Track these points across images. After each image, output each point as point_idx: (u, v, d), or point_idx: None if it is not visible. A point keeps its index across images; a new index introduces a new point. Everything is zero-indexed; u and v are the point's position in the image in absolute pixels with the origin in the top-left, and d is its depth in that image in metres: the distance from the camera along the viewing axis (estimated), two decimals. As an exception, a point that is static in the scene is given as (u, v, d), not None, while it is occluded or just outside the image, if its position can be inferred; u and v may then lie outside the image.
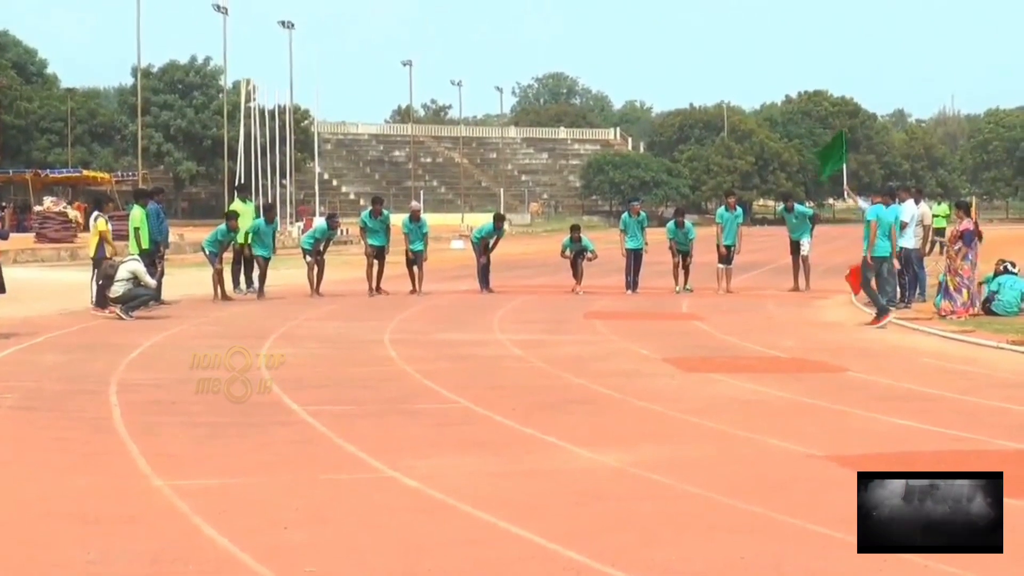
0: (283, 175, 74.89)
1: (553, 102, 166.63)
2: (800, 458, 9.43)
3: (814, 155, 32.39)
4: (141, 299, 20.69)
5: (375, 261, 26.34)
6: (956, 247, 20.35)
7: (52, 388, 12.89)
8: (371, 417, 11.14)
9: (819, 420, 11.27)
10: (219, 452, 9.63)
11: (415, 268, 26.64)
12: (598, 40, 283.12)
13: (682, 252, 27.00)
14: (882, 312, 19.18)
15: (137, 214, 23.14)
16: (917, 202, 23.36)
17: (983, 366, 14.73)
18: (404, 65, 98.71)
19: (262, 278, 25.61)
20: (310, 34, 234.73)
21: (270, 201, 50.27)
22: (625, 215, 27.69)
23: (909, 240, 22.35)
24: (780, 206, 30.95)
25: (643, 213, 28.01)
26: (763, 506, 7.81)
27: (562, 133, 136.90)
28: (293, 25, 77.09)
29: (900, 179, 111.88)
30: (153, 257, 22.71)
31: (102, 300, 21.27)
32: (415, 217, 27.43)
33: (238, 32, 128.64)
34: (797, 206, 28.48)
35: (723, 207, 28.45)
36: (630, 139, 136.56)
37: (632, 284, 26.62)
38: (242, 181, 56.30)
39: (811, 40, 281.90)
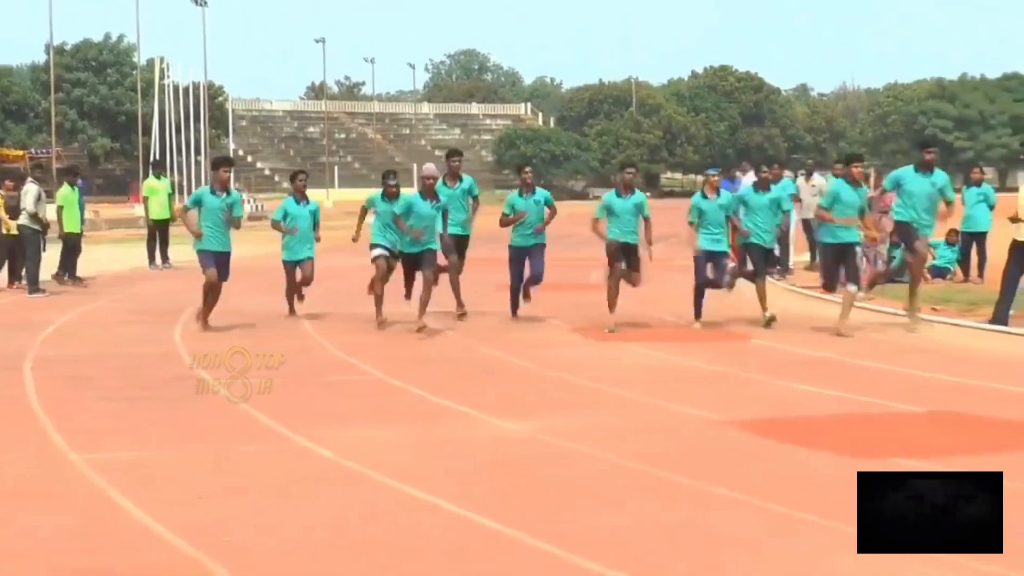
0: (198, 151, 74.20)
1: (465, 78, 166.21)
2: (706, 424, 9.51)
3: None
4: (31, 273, 20.54)
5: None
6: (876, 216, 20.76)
7: (-34, 365, 12.68)
8: (287, 390, 11.06)
9: (725, 387, 11.38)
10: (135, 426, 9.52)
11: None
12: (509, 17, 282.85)
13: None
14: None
15: (64, 192, 22.75)
16: (810, 175, 23.77)
17: (883, 332, 14.93)
18: (317, 42, 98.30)
19: (301, 285, 17.08)
20: (223, 11, 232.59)
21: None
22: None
23: (807, 212, 22.62)
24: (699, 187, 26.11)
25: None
26: (671, 471, 7.88)
27: (474, 109, 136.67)
28: (206, 3, 76.38)
29: (803, 151, 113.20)
30: (79, 240, 22.53)
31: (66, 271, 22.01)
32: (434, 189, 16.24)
33: (151, 10, 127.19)
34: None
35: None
36: (541, 114, 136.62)
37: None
38: (157, 158, 55.56)
39: (716, 16, 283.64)
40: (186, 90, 73.18)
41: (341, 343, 14.17)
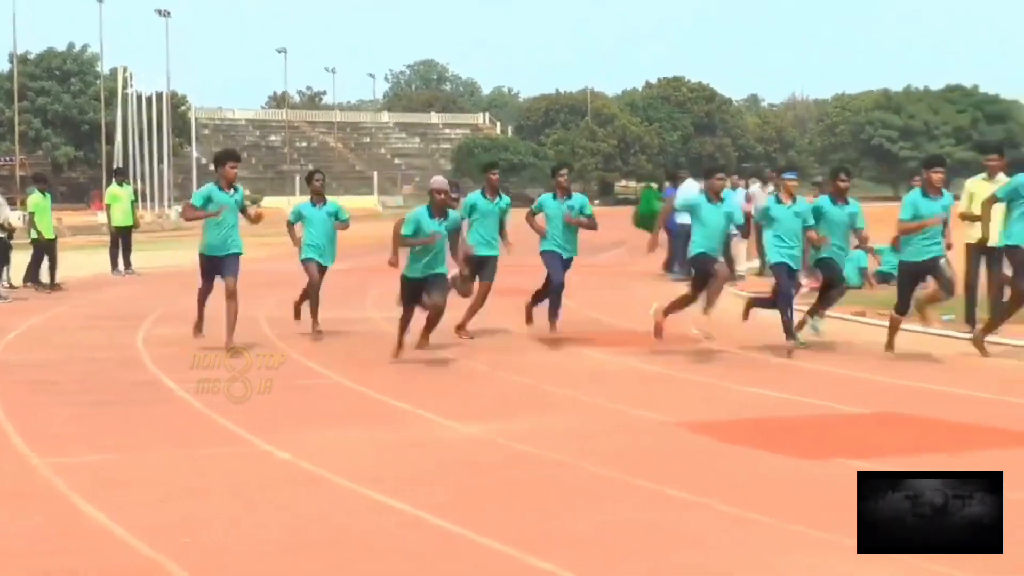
0: (161, 160, 73.86)
1: (424, 88, 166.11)
2: (660, 426, 9.52)
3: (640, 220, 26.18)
4: None
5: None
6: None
7: (-71, 370, 12.55)
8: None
9: (678, 390, 11.40)
10: (98, 430, 9.45)
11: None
12: (467, 28, 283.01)
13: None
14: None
15: (35, 199, 22.63)
16: (766, 183, 23.73)
17: (828, 336, 14.98)
18: (279, 52, 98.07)
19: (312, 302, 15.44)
20: (186, 22, 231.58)
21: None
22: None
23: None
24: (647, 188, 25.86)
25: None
26: (626, 472, 7.88)
27: (433, 118, 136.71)
28: (169, 13, 76.15)
29: (754, 160, 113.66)
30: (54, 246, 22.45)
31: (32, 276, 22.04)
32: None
33: (115, 20, 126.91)
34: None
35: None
36: (499, 123, 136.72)
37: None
38: (120, 166, 55.23)
39: (669, 28, 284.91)
40: (149, 99, 72.81)
41: (301, 347, 14.11)
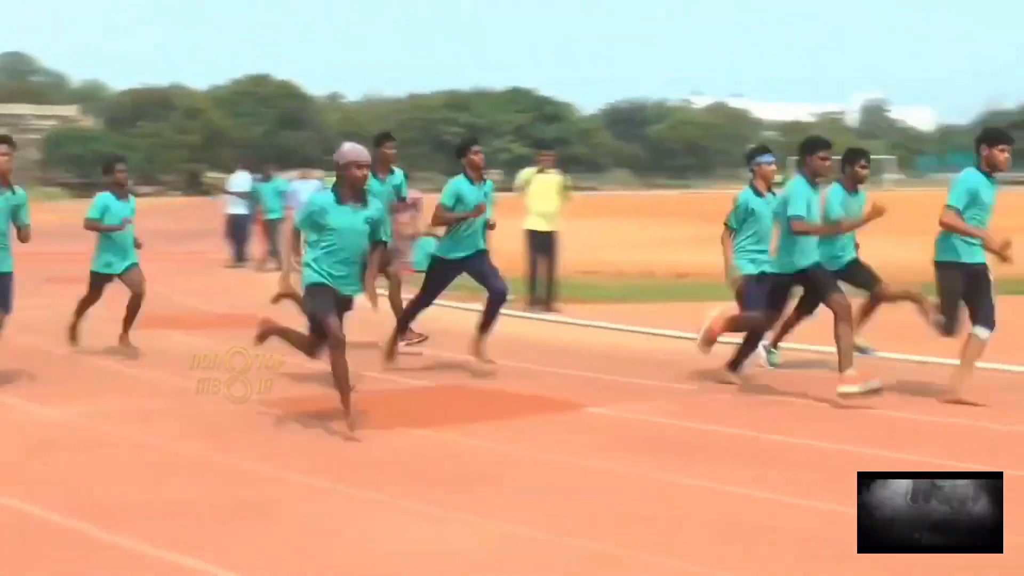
0: None
1: (12, 80, 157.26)
2: (243, 405, 9.46)
3: None
4: None
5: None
6: (408, 214, 21.63)
7: None
8: None
9: (253, 370, 11.33)
10: None
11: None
12: (56, 20, 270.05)
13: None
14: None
15: None
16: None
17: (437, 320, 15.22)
18: None
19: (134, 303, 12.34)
20: None
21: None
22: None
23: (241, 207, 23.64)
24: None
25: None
26: (199, 447, 7.83)
27: (22, 109, 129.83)
28: None
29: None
30: None
31: None
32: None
33: None
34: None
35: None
36: (90, 116, 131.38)
37: None
38: None
39: (253, 27, 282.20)
40: None
41: None
